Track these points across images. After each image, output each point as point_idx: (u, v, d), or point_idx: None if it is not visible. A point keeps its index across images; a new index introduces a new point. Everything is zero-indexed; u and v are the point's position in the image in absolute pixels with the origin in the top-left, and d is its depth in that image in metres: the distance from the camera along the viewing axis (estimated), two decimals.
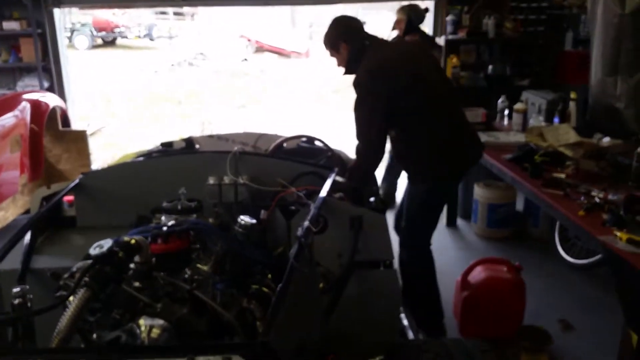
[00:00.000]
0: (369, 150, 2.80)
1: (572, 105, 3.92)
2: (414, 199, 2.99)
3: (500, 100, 4.49)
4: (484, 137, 3.77)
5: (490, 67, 5.27)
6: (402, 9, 4.55)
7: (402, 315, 2.44)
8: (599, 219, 2.47)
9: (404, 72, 2.76)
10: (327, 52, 2.96)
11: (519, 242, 4.29)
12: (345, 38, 2.83)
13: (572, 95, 3.94)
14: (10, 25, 5.51)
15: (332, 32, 2.89)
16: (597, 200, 2.63)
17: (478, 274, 2.97)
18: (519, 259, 3.11)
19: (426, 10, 4.57)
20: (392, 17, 4.74)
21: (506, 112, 4.42)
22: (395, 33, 4.73)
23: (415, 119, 2.78)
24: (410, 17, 4.52)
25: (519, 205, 4.49)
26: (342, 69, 2.92)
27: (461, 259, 3.90)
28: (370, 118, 2.73)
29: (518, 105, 4.16)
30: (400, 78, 2.73)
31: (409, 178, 3.04)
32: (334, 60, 2.95)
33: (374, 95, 2.70)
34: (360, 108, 2.75)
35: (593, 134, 3.55)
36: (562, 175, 2.99)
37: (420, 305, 2.94)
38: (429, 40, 4.59)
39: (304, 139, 3.23)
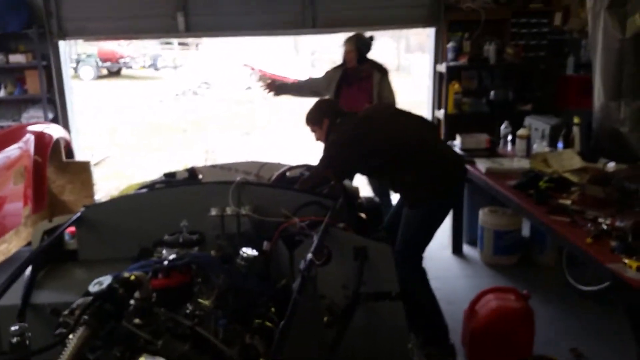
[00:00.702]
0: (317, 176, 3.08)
1: (575, 130, 3.91)
2: (412, 221, 3.17)
3: (503, 126, 4.49)
4: (487, 163, 3.76)
5: (492, 92, 5.28)
6: (350, 40, 4.51)
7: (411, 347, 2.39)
8: (607, 246, 2.44)
9: (371, 135, 3.12)
10: (309, 129, 3.41)
11: (527, 269, 4.23)
12: (327, 115, 3.31)
13: (576, 120, 3.93)
14: (16, 58, 5.60)
15: (316, 111, 3.38)
16: (604, 227, 2.60)
17: (486, 303, 2.93)
18: (527, 286, 3.07)
19: (371, 38, 4.59)
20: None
21: (509, 137, 4.41)
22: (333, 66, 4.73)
23: (393, 165, 3.12)
24: (359, 47, 4.50)
25: (525, 232, 4.44)
26: (321, 144, 3.32)
27: (468, 287, 3.84)
28: (337, 163, 3.08)
29: (521, 131, 4.15)
30: (367, 142, 3.09)
31: (407, 204, 3.19)
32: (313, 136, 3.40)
33: (343, 155, 3.10)
34: (327, 161, 3.11)
35: (598, 159, 3.54)
36: (568, 202, 2.96)
37: (427, 321, 3.15)
38: (380, 67, 4.61)
39: (306, 168, 3.22)
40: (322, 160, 3.16)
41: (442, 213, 3.30)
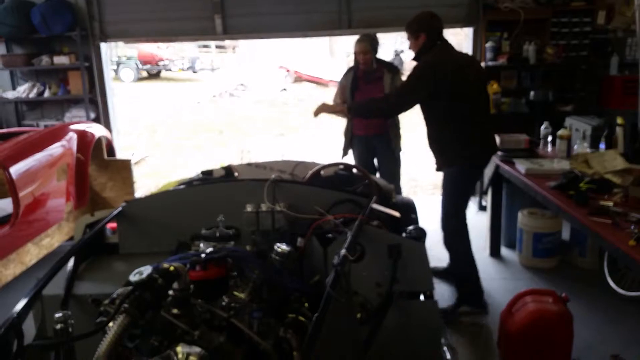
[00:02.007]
0: (389, 105, 3.55)
1: (619, 130, 3.79)
2: (448, 179, 3.61)
3: (543, 127, 4.40)
4: (527, 164, 3.69)
5: (532, 93, 5.18)
6: (364, 41, 4.38)
7: (445, 349, 2.36)
8: None
9: (456, 74, 3.38)
10: (406, 35, 3.59)
11: (566, 273, 4.13)
12: (427, 31, 3.47)
13: (619, 120, 3.82)
14: (61, 60, 5.79)
15: (419, 22, 3.51)
16: None
17: (523, 305, 2.87)
18: (566, 289, 2.99)
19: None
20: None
21: (549, 138, 4.32)
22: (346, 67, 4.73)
23: (455, 113, 3.41)
24: (375, 47, 4.44)
25: (565, 234, 4.34)
26: (412, 53, 3.59)
27: (506, 289, 3.77)
28: (409, 92, 3.43)
29: (562, 132, 4.06)
30: (451, 78, 3.35)
31: (444, 161, 3.59)
32: (408, 43, 3.61)
33: (423, 83, 3.37)
34: (408, 83, 3.48)
35: None
36: (610, 203, 2.88)
37: (466, 277, 3.63)
38: (390, 66, 4.56)
39: (341, 167, 3.22)
40: (405, 81, 3.53)
41: (470, 180, 3.73)
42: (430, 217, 3.92)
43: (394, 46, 21.81)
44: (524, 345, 2.80)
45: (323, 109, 3.87)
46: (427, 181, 7.28)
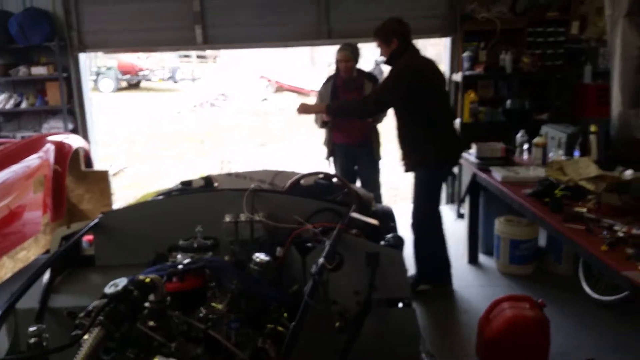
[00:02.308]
0: (367, 106, 3.72)
1: (592, 138, 3.87)
2: (420, 181, 3.84)
3: (519, 135, 4.47)
4: (503, 171, 3.74)
5: (508, 101, 5.26)
6: (345, 50, 4.45)
7: (423, 356, 2.38)
8: (623, 254, 2.41)
9: (427, 77, 3.67)
10: (376, 41, 3.76)
11: (542, 279, 4.18)
12: (399, 37, 3.66)
13: (593, 128, 3.90)
14: (38, 70, 5.74)
15: (390, 28, 3.69)
16: (620, 234, 2.57)
17: (500, 312, 2.90)
18: (543, 295, 3.03)
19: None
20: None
21: (525, 146, 4.39)
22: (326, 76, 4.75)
23: (426, 114, 3.65)
24: (356, 56, 4.50)
25: (542, 241, 4.40)
26: (383, 58, 3.79)
27: (484, 296, 3.81)
28: (387, 93, 3.63)
29: (537, 139, 4.13)
30: (424, 80, 3.61)
31: (417, 162, 3.77)
32: (379, 50, 3.79)
33: (400, 84, 3.58)
34: (385, 84, 3.67)
35: (615, 167, 3.50)
36: (584, 210, 2.93)
37: (430, 257, 3.93)
38: (370, 75, 4.65)
39: (320, 176, 3.23)
40: (383, 83, 3.72)
41: (441, 180, 3.91)
42: (409, 225, 3.95)
43: (374, 56, 22.01)
44: (502, 351, 2.83)
45: (303, 108, 3.96)
46: (408, 190, 7.32)
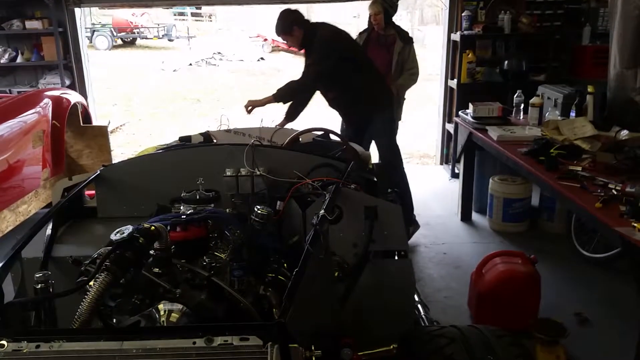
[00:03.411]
0: (306, 79, 3.87)
1: (589, 99, 3.89)
2: (386, 121, 4.08)
3: (516, 95, 4.47)
4: (499, 131, 3.77)
5: (506, 62, 5.25)
6: (376, 2, 4.46)
7: (418, 306, 2.46)
8: (617, 211, 2.46)
9: (346, 35, 4.00)
10: (280, 38, 3.98)
11: (535, 237, 4.27)
12: (297, 23, 3.85)
13: (590, 89, 3.91)
14: (33, 25, 5.64)
15: (284, 21, 3.86)
16: (614, 192, 2.62)
17: (493, 266, 2.98)
18: (535, 252, 3.11)
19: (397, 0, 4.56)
20: (406, 17, 4.69)
21: (522, 106, 4.40)
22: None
23: (361, 65, 3.96)
24: (386, 8, 4.45)
25: (535, 200, 4.47)
26: (295, 48, 4.01)
27: (476, 252, 3.89)
28: (323, 60, 3.79)
29: (534, 100, 4.14)
30: (345, 37, 3.98)
31: (378, 106, 4.00)
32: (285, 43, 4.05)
33: (331, 49, 3.80)
34: (318, 56, 3.81)
35: (611, 127, 3.53)
36: (579, 168, 2.98)
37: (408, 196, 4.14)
38: (404, 35, 4.55)
39: (319, 133, 3.25)
40: (314, 56, 3.83)
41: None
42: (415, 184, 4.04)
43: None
44: (493, 304, 2.91)
45: (251, 104, 3.99)
46: (415, 150, 7.38)
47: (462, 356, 1.38)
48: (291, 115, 4.13)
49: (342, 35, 3.98)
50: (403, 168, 4.23)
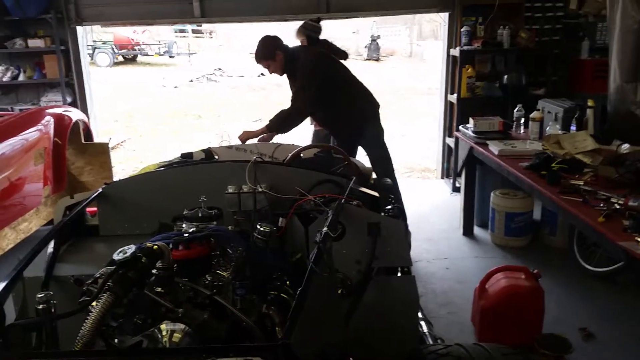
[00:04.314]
0: (297, 107, 3.92)
1: (589, 112, 3.90)
2: (376, 134, 4.13)
3: (516, 110, 4.49)
4: (500, 145, 3.77)
5: (505, 76, 5.27)
6: (299, 31, 4.54)
7: (421, 323, 2.44)
8: (620, 225, 2.45)
9: (328, 55, 4.08)
10: (261, 65, 4.02)
11: (537, 251, 4.26)
12: (278, 48, 3.93)
13: (590, 102, 3.92)
14: (35, 43, 5.69)
15: (266, 47, 3.93)
16: (617, 206, 2.62)
17: (496, 281, 2.96)
18: (537, 267, 3.09)
19: (318, 20, 4.60)
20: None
21: (522, 121, 4.41)
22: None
23: (345, 82, 4.06)
24: (309, 35, 4.50)
25: (536, 214, 4.46)
26: (277, 74, 4.09)
27: (479, 267, 3.88)
28: (309, 90, 3.84)
29: (535, 114, 4.15)
30: (327, 58, 4.03)
31: (368, 118, 4.09)
32: (267, 70, 4.06)
33: (315, 74, 3.86)
34: (304, 83, 3.87)
35: (612, 141, 3.53)
36: (581, 182, 2.98)
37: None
38: (335, 49, 4.60)
39: (320, 149, 3.26)
40: (299, 83, 3.90)
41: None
42: (405, 197, 4.01)
43: (371, 31, 21.84)
44: (497, 319, 2.90)
45: (246, 135, 3.95)
46: (401, 164, 7.37)
47: None
48: (278, 131, 4.12)
49: (324, 55, 4.07)
50: (395, 176, 4.26)
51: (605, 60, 4.18)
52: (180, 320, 1.56)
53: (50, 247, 2.10)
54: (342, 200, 2.09)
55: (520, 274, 2.97)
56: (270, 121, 3.98)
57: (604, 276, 3.66)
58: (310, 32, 4.51)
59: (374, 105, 4.20)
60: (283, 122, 3.95)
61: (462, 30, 5.48)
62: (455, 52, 5.57)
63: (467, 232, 4.61)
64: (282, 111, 3.97)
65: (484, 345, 1.51)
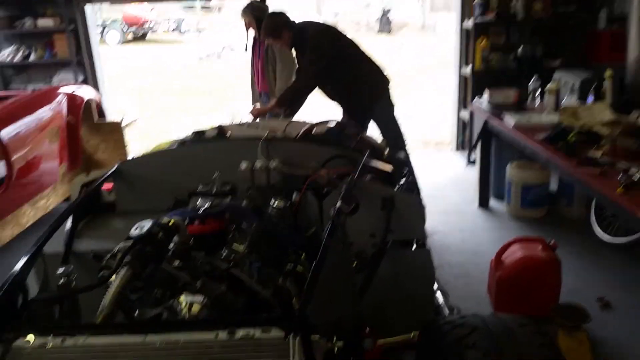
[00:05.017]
0: (304, 82, 3.90)
1: (607, 83, 3.83)
2: (387, 110, 4.09)
3: (531, 81, 4.42)
4: (516, 117, 3.73)
5: (520, 48, 5.18)
6: (244, 12, 4.52)
7: (438, 294, 2.45)
8: (638, 197, 2.43)
9: (335, 30, 4.03)
10: (271, 42, 4.04)
11: (554, 222, 4.23)
12: (285, 25, 3.90)
13: (608, 73, 3.84)
14: (44, 22, 5.69)
15: (272, 25, 3.90)
16: (635, 178, 2.58)
17: (513, 253, 2.95)
18: (554, 238, 3.07)
19: (263, 1, 4.57)
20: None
21: (538, 92, 4.35)
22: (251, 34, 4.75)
23: (355, 56, 4.00)
24: (256, 15, 4.45)
25: (553, 186, 4.42)
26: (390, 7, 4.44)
27: (495, 239, 3.86)
28: (317, 63, 3.81)
29: (551, 85, 4.09)
30: (334, 33, 3.98)
31: (376, 94, 4.03)
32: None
33: (323, 49, 3.83)
34: (312, 57, 3.82)
35: (631, 111, 3.47)
36: (598, 154, 2.94)
37: None
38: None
39: (332, 124, 3.24)
40: (308, 56, 3.85)
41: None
42: (420, 171, 3.99)
43: (382, 4, 21.53)
44: (513, 290, 2.90)
45: (256, 112, 3.97)
46: (415, 138, 7.33)
47: (485, 345, 1.37)
48: (291, 113, 4.09)
49: (331, 30, 4.04)
50: (407, 150, 4.20)
51: (622, 30, 4.09)
52: (198, 292, 1.58)
53: (69, 224, 2.13)
54: (356, 175, 2.09)
55: (536, 245, 2.96)
56: (280, 97, 3.97)
57: (621, 247, 3.64)
58: (256, 12, 4.45)
59: (384, 80, 4.15)
60: (293, 97, 3.94)
61: (475, 1, 5.38)
62: (469, 24, 5.48)
63: (483, 204, 4.59)
64: (291, 86, 3.98)
65: (501, 316, 1.51)
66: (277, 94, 4.47)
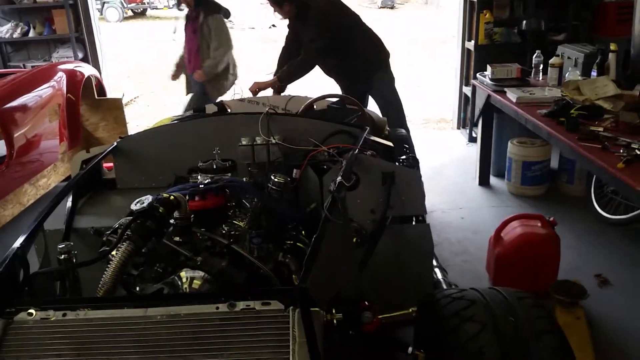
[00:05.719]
0: (308, 57, 3.89)
1: (611, 57, 3.77)
2: (387, 83, 4.10)
3: (535, 56, 4.37)
4: (518, 92, 3.70)
5: (524, 22, 5.11)
6: None
7: (436, 270, 2.46)
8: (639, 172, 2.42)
9: (338, 2, 4.01)
10: (275, 9, 4.02)
11: (554, 199, 4.23)
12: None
13: (612, 47, 3.79)
14: None
15: None
16: (637, 152, 2.56)
17: (512, 229, 2.96)
18: (554, 215, 3.07)
19: None
20: None
21: (541, 67, 4.30)
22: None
23: (358, 27, 4.03)
24: None
25: (554, 163, 4.41)
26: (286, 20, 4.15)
27: (495, 216, 3.87)
28: (321, 37, 3.82)
29: (554, 60, 4.04)
30: (341, 10, 3.99)
31: (377, 66, 4.04)
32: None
33: (328, 22, 3.83)
34: (316, 30, 3.82)
35: (634, 85, 3.43)
36: (600, 129, 2.92)
37: None
38: (206, 6, 4.50)
39: (333, 99, 3.22)
40: (312, 30, 3.83)
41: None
42: (421, 148, 3.98)
43: None
44: (512, 266, 2.91)
45: (257, 86, 3.89)
46: (417, 115, 7.30)
47: (483, 318, 1.38)
48: (290, 81, 4.09)
49: (334, 4, 3.98)
50: (407, 125, 4.19)
51: (630, 1, 4.02)
52: (199, 267, 1.59)
53: (69, 201, 2.14)
54: (356, 150, 2.08)
55: (536, 222, 2.96)
56: (281, 72, 3.94)
57: (621, 224, 3.64)
58: None
59: (384, 54, 4.14)
60: (292, 72, 3.92)
61: None
62: None
63: (483, 182, 4.58)
64: (294, 61, 3.93)
65: (499, 289, 1.51)
66: (205, 70, 4.53)
